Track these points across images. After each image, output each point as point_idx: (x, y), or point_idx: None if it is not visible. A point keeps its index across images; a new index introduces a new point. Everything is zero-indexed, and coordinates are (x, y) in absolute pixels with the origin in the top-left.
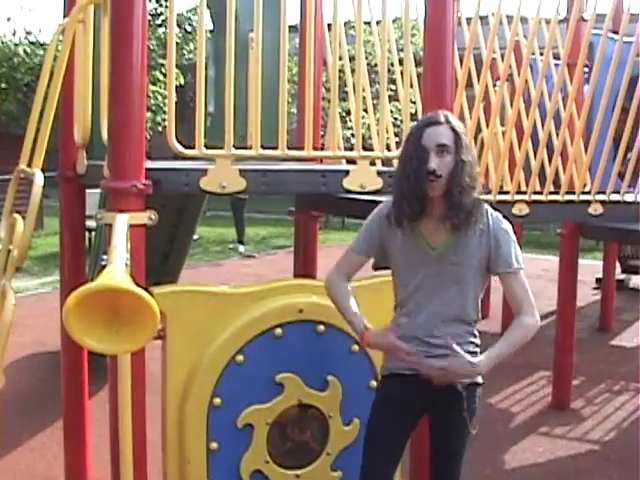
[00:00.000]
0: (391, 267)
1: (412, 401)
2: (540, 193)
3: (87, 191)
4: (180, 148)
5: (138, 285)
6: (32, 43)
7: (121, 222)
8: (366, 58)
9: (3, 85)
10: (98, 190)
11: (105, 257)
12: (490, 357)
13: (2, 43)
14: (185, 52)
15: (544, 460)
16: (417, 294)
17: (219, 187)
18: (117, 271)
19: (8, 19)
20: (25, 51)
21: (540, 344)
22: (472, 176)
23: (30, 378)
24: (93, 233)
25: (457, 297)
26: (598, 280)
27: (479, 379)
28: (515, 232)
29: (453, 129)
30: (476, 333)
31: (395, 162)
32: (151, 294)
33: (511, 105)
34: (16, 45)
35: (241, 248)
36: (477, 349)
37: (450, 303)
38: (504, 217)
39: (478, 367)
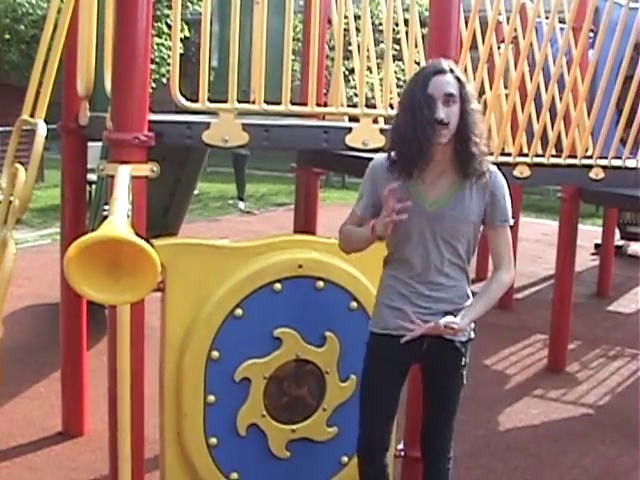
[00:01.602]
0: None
1: (404, 359)
2: (542, 156)
3: (88, 144)
4: (183, 101)
5: (139, 236)
6: None
7: (123, 173)
8: (371, 17)
9: (6, 36)
10: (99, 144)
11: (107, 208)
12: (468, 317)
13: None
14: (189, 5)
15: (538, 422)
16: (412, 250)
17: (221, 141)
18: (118, 222)
19: None
20: (29, 2)
21: (537, 307)
22: (478, 125)
23: (28, 329)
24: (94, 186)
25: (452, 251)
26: (597, 246)
27: (472, 334)
28: (513, 194)
29: (458, 78)
30: (470, 294)
31: None
32: (152, 246)
33: (515, 68)
34: None
35: (241, 204)
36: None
37: (444, 257)
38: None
39: (458, 326)
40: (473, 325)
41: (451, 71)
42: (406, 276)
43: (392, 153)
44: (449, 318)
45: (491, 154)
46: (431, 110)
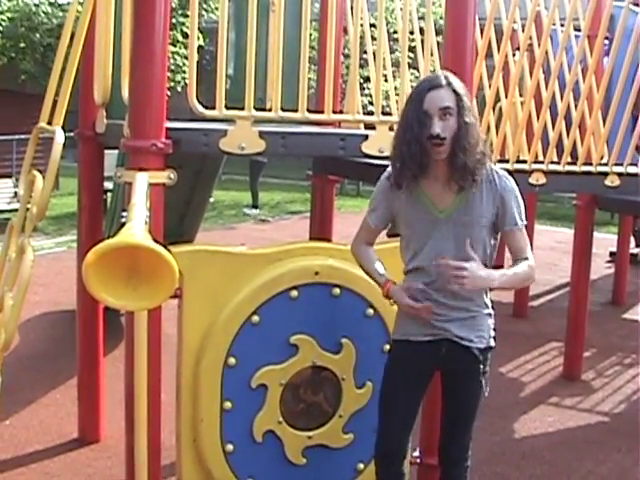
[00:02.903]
0: (400, 232)
1: (424, 365)
2: (557, 163)
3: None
4: (201, 108)
5: (157, 243)
6: (51, 4)
7: (141, 180)
8: (386, 25)
9: (22, 45)
10: (115, 152)
11: (124, 214)
12: (504, 274)
13: (22, 3)
14: (205, 13)
15: (553, 430)
16: (426, 258)
17: (238, 148)
18: (136, 228)
19: None
20: (45, 12)
21: (553, 315)
22: (475, 137)
23: (44, 336)
24: (109, 195)
25: (466, 255)
26: (612, 254)
27: (492, 342)
28: (528, 202)
29: (455, 91)
30: (488, 301)
31: None
32: (169, 252)
33: (530, 76)
34: (36, 5)
35: (254, 212)
36: (490, 312)
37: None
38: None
39: (492, 277)
40: (493, 333)
41: (448, 84)
42: (422, 283)
43: (391, 173)
44: (462, 263)
45: (506, 161)
46: (427, 126)
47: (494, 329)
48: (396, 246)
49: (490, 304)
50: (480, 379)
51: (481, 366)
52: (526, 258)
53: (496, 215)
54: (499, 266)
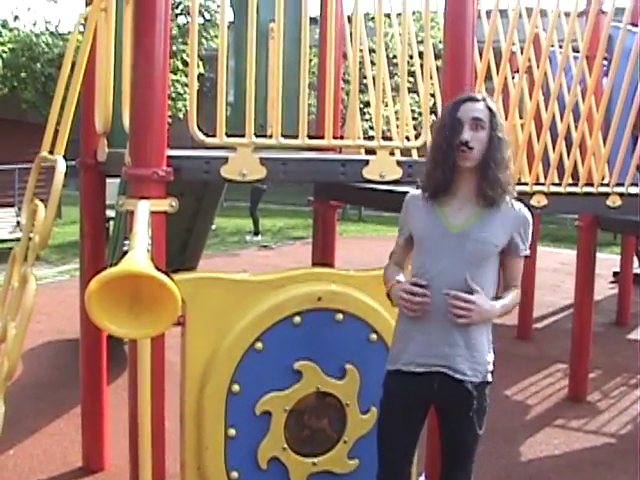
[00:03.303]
0: (413, 243)
1: (417, 399)
2: (558, 185)
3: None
4: (201, 136)
5: (159, 270)
6: (52, 34)
7: (143, 208)
8: (385, 50)
9: (22, 74)
10: (116, 180)
11: (127, 243)
12: (503, 305)
13: (22, 33)
14: (204, 41)
15: (560, 452)
16: (436, 275)
17: (239, 175)
18: (139, 256)
19: (28, 9)
20: (46, 42)
21: (557, 337)
22: (506, 154)
23: (48, 365)
24: (111, 223)
25: (477, 278)
26: (615, 274)
27: (489, 377)
28: (534, 224)
29: (489, 107)
30: (489, 335)
31: (414, 152)
32: (172, 280)
33: (530, 97)
34: (37, 35)
35: (256, 239)
36: (490, 346)
37: (463, 287)
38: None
39: (494, 310)
40: (491, 368)
41: (484, 100)
42: (427, 310)
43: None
44: (464, 295)
45: None
46: (457, 132)
47: (493, 363)
48: (378, 274)
49: (490, 337)
50: (474, 416)
51: (475, 402)
52: (516, 286)
53: (508, 241)
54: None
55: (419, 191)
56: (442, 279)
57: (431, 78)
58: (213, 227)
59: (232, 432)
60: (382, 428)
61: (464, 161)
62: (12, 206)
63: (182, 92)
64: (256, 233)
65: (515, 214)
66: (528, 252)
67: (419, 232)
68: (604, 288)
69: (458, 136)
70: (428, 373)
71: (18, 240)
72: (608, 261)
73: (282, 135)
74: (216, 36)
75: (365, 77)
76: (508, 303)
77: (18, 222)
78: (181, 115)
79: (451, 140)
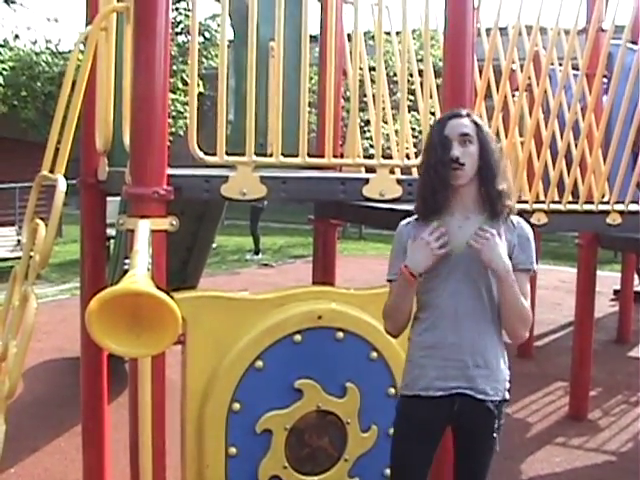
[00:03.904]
0: None
1: (436, 423)
2: (559, 203)
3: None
4: (201, 155)
5: (160, 289)
6: (53, 53)
7: (143, 227)
8: (385, 68)
9: (23, 93)
10: (117, 198)
11: (127, 262)
12: (515, 281)
13: (23, 52)
14: (204, 60)
15: (561, 470)
16: (440, 298)
17: (240, 194)
18: (139, 275)
19: (28, 28)
20: (46, 61)
21: (557, 355)
22: (500, 165)
23: (48, 384)
24: (112, 241)
25: (481, 300)
26: (616, 292)
27: (507, 395)
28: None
29: (474, 121)
30: (504, 355)
31: (414, 170)
32: (172, 299)
33: (530, 115)
34: (37, 54)
35: (256, 257)
36: (505, 364)
37: (474, 305)
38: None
39: (507, 265)
40: (508, 385)
41: (468, 115)
42: (434, 323)
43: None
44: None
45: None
46: (446, 150)
47: (509, 381)
48: (379, 292)
49: (506, 356)
50: (494, 435)
51: (496, 420)
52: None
53: (510, 256)
54: None
55: (409, 219)
56: (453, 300)
57: (431, 96)
58: (214, 246)
59: (233, 450)
60: (398, 452)
61: (456, 179)
62: (13, 225)
63: (182, 110)
64: (256, 252)
65: (515, 228)
66: (534, 267)
67: None
68: (605, 306)
69: (447, 153)
70: (448, 396)
71: (19, 259)
72: (609, 279)
73: (282, 154)
74: (216, 55)
75: (365, 95)
76: (516, 287)
77: (19, 241)
78: (181, 133)
79: (441, 158)
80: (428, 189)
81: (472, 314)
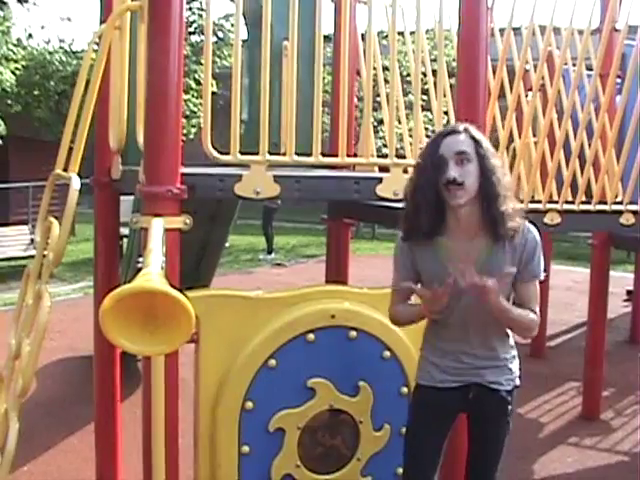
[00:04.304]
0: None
1: (450, 409)
2: (572, 203)
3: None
4: (215, 154)
5: (173, 288)
6: (66, 52)
7: (157, 226)
8: (399, 68)
9: (36, 92)
10: (130, 197)
11: (141, 260)
12: (516, 308)
13: (36, 51)
14: (218, 60)
15: (573, 470)
16: (452, 312)
17: (253, 192)
18: (153, 273)
19: (42, 27)
20: (59, 60)
21: (570, 355)
22: (503, 183)
23: (61, 382)
24: (125, 240)
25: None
26: (629, 292)
27: (517, 381)
28: (543, 242)
29: (473, 137)
30: (512, 343)
31: None
32: (186, 297)
33: (543, 116)
34: (50, 54)
35: (269, 257)
36: (515, 355)
37: (486, 314)
38: (530, 222)
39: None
40: (519, 373)
41: (465, 130)
42: (448, 337)
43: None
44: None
45: (521, 201)
46: (442, 171)
47: (520, 368)
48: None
49: (514, 346)
50: (508, 419)
51: (509, 406)
52: (533, 311)
53: (518, 268)
54: None
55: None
56: (463, 311)
57: (444, 96)
58: (227, 245)
59: (246, 449)
60: (412, 439)
61: (456, 199)
62: (26, 224)
63: (195, 110)
64: (269, 251)
65: (523, 240)
66: (541, 277)
67: (429, 274)
68: (617, 306)
69: (443, 175)
70: (463, 386)
71: (32, 257)
72: (622, 279)
73: (296, 153)
74: (230, 55)
75: (379, 95)
76: (521, 310)
77: (32, 240)
78: (194, 133)
79: (436, 180)
80: (420, 212)
81: (482, 320)
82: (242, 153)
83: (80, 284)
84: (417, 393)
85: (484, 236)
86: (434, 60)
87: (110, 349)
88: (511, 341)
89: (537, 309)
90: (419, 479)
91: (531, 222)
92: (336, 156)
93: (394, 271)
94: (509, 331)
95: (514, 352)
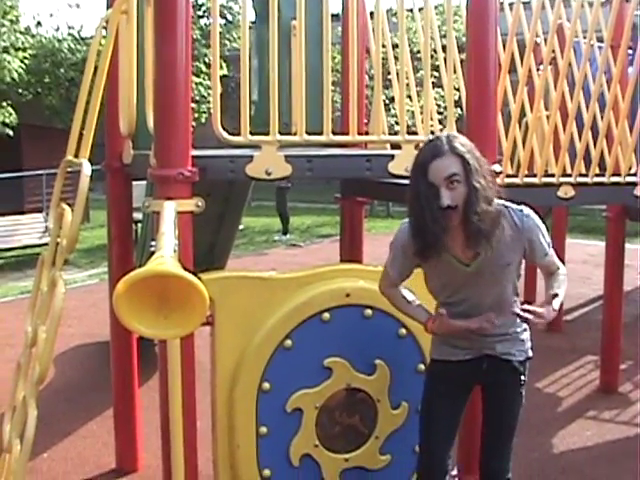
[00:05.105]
0: (425, 278)
1: (465, 381)
2: (585, 176)
3: (133, 183)
4: (225, 135)
5: (187, 270)
6: (75, 39)
7: (169, 209)
8: (409, 45)
9: (46, 80)
10: (143, 182)
11: (153, 244)
12: (556, 303)
13: (45, 39)
14: (227, 42)
15: (592, 444)
16: (458, 303)
17: (265, 173)
18: (166, 257)
19: (50, 15)
20: (69, 47)
21: (587, 329)
22: (487, 200)
23: (79, 368)
24: (139, 225)
25: (500, 293)
26: None
27: (530, 353)
28: (558, 216)
29: (459, 155)
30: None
31: None
32: (199, 280)
33: (555, 88)
34: (59, 41)
35: (284, 238)
36: (526, 327)
37: (493, 301)
38: (523, 204)
39: (556, 306)
40: (530, 344)
41: (451, 149)
42: (458, 315)
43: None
44: (537, 309)
45: (534, 176)
46: (436, 199)
47: (530, 339)
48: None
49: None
50: (521, 390)
51: (522, 377)
52: (558, 268)
53: (524, 254)
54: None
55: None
56: (472, 290)
57: (455, 72)
58: (241, 227)
59: (263, 430)
60: (427, 411)
61: (451, 221)
62: (41, 211)
63: (206, 95)
64: (285, 232)
65: (521, 229)
66: (551, 248)
67: (436, 275)
68: (634, 279)
69: (437, 202)
70: (477, 358)
71: (47, 245)
72: (637, 251)
73: (306, 132)
74: (239, 37)
75: (389, 73)
76: (561, 291)
77: (47, 227)
78: (203, 119)
79: (431, 208)
80: (428, 236)
81: (490, 297)
82: (253, 134)
83: (96, 270)
84: (431, 367)
85: (471, 249)
86: (444, 36)
87: (127, 334)
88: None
89: (560, 264)
90: (435, 453)
91: (524, 204)
92: (347, 134)
93: (391, 258)
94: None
95: (524, 325)
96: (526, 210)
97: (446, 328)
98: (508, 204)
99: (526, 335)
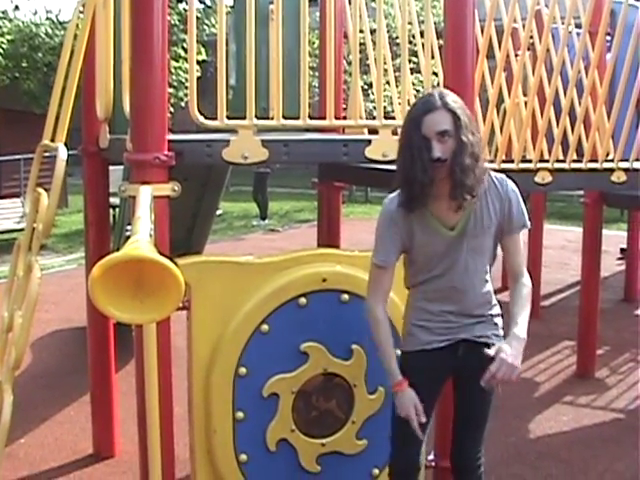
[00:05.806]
0: (407, 253)
1: (439, 372)
2: (563, 162)
3: (110, 168)
4: (202, 119)
5: (162, 255)
6: (53, 23)
7: (144, 193)
8: (387, 31)
9: (24, 64)
10: (120, 167)
11: (129, 228)
12: (523, 331)
13: (22, 23)
14: (206, 27)
15: (569, 429)
16: (441, 275)
17: (241, 157)
18: (141, 241)
19: None
20: (47, 32)
21: (564, 314)
22: (474, 155)
23: (57, 354)
24: (117, 210)
25: (479, 266)
26: (622, 250)
27: (501, 332)
28: (536, 201)
29: (451, 110)
30: (495, 301)
31: None
32: (175, 264)
33: (533, 74)
34: (37, 25)
35: (263, 223)
36: (500, 312)
37: (473, 273)
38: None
39: (522, 349)
40: (502, 332)
41: (444, 105)
42: (435, 298)
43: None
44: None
45: (511, 161)
46: (427, 150)
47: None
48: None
49: (497, 303)
50: None
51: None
52: (522, 273)
53: (503, 221)
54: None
55: (394, 197)
56: (450, 273)
57: (433, 57)
58: (219, 212)
59: (240, 415)
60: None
61: (440, 174)
62: (18, 196)
63: (184, 80)
64: (263, 217)
65: (502, 195)
66: (528, 225)
67: (420, 241)
68: (611, 265)
69: (428, 153)
70: (452, 344)
71: (24, 230)
72: (616, 238)
73: (284, 117)
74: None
75: (367, 58)
76: (524, 322)
77: (24, 212)
78: (183, 104)
79: (422, 159)
80: (415, 186)
81: (468, 280)
82: (230, 118)
83: (74, 255)
84: (403, 361)
85: (454, 200)
86: (422, 21)
87: (103, 319)
88: (494, 299)
89: (525, 269)
90: (410, 453)
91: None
92: (324, 119)
93: (376, 247)
94: (491, 289)
95: (498, 310)
96: (508, 180)
97: (406, 405)
98: (491, 172)
99: (500, 320)
